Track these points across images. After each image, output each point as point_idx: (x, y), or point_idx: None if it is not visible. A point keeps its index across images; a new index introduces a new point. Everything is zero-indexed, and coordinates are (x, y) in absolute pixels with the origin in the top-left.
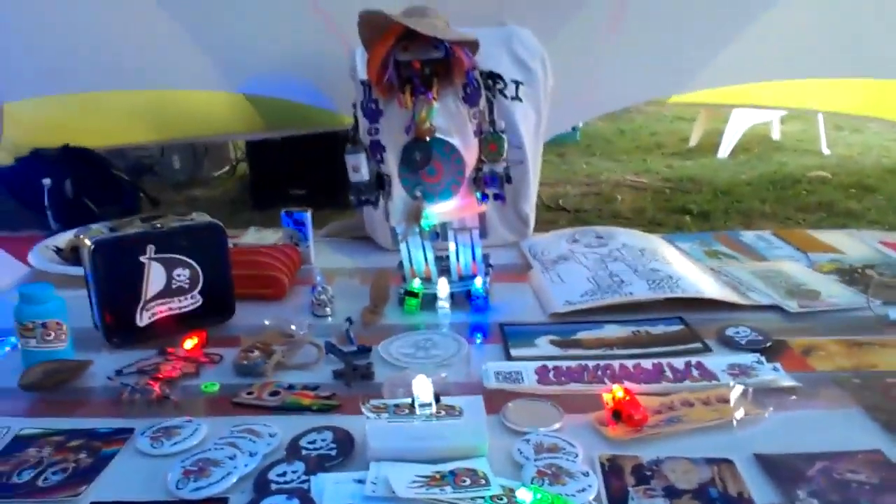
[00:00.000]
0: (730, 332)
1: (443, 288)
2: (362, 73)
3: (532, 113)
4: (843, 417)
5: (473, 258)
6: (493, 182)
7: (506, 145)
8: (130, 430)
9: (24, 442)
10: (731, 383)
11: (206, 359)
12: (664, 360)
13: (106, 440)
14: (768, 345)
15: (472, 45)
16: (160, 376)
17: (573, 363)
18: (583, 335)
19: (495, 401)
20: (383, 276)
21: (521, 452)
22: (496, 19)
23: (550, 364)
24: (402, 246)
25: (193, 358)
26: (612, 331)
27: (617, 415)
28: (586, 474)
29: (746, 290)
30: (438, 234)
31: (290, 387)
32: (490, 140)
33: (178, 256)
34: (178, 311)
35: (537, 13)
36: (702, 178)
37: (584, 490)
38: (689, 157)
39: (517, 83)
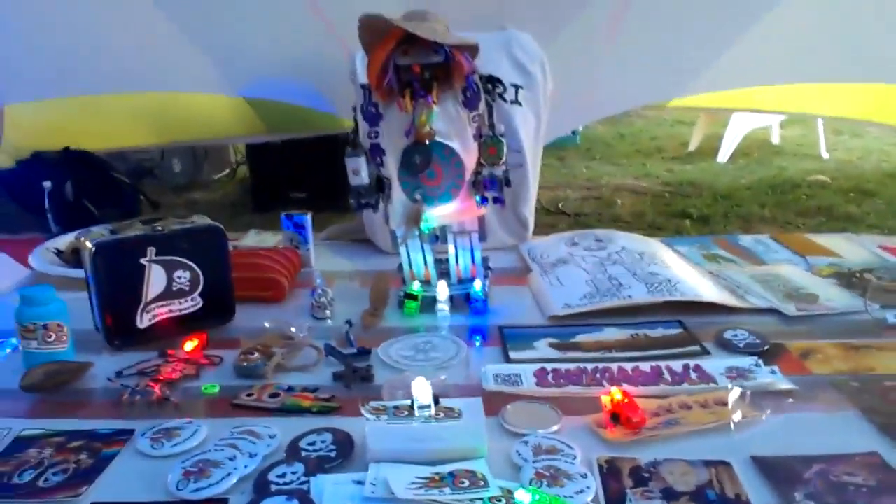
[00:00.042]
0: (728, 335)
1: (442, 291)
2: (362, 77)
3: (531, 117)
4: (841, 420)
5: (473, 261)
6: (492, 185)
7: (505, 149)
8: (131, 432)
9: (25, 443)
10: (729, 386)
11: (207, 361)
12: (662, 363)
13: (106, 441)
14: (766, 348)
15: (472, 50)
16: (160, 378)
17: (572, 366)
18: (581, 338)
19: (494, 403)
20: (383, 278)
21: (519, 454)
22: (496, 23)
23: (549, 367)
24: (402, 249)
25: (194, 360)
26: (611, 334)
27: (615, 417)
28: (584, 476)
29: (745, 294)
30: (438, 237)
31: (290, 389)
32: (489, 144)
33: (178, 259)
34: (178, 314)
35: (537, 17)
36: (702, 182)
37: (582, 492)
38: (688, 162)
39: (517, 87)
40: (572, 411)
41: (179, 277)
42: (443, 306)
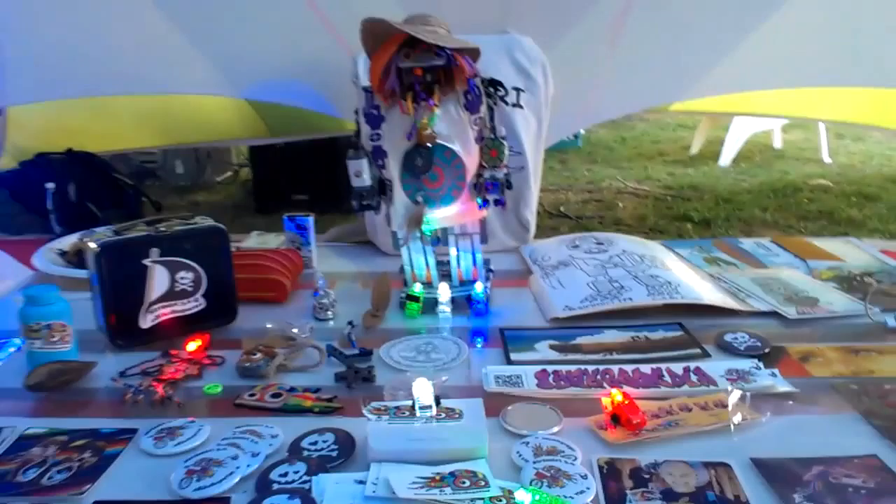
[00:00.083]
0: (728, 337)
1: (444, 292)
2: (364, 80)
3: (533, 120)
4: (840, 423)
5: (474, 263)
6: (493, 188)
7: (506, 151)
8: (134, 431)
9: (29, 441)
10: (729, 388)
11: (209, 361)
12: (663, 366)
13: (109, 440)
14: (766, 351)
15: (474, 53)
16: (163, 378)
17: (573, 367)
18: (582, 340)
19: (495, 404)
20: (384, 280)
21: (520, 455)
22: (498, 27)
23: (550, 368)
24: (404, 250)
25: (196, 360)
26: (612, 336)
27: (616, 419)
28: (584, 477)
29: (745, 297)
30: (439, 239)
31: (292, 389)
32: (491, 146)
33: (181, 260)
34: (181, 314)
35: (539, 21)
36: (703, 185)
37: (582, 492)
38: (690, 165)
39: (518, 90)
40: (573, 412)
41: (182, 278)
42: (444, 308)
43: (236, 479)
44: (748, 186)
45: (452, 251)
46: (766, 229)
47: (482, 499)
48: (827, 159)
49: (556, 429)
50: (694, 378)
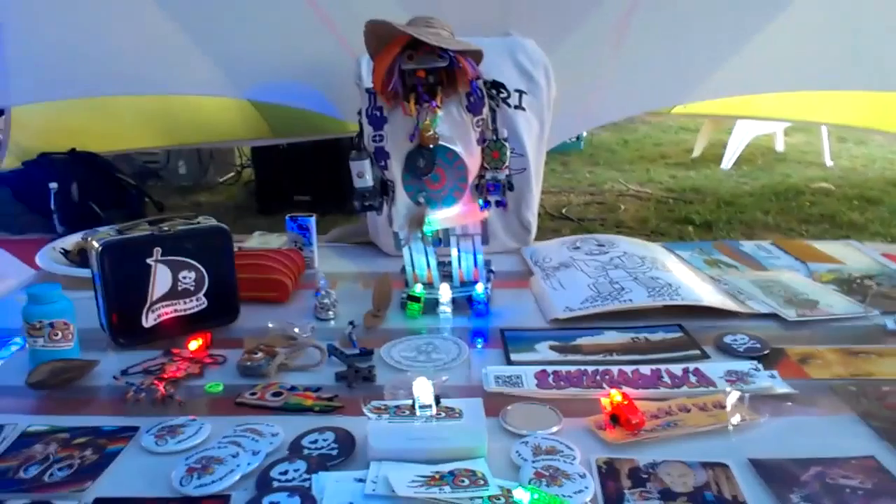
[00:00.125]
0: (728, 339)
1: (445, 293)
2: (367, 81)
3: (535, 122)
4: (838, 424)
5: (475, 264)
6: (495, 189)
7: (508, 153)
8: (135, 429)
9: (31, 439)
10: (728, 389)
11: (211, 360)
12: (662, 367)
13: (111, 438)
14: (766, 352)
15: (476, 55)
16: (165, 376)
17: (572, 368)
18: (582, 341)
19: (495, 404)
20: (386, 280)
21: (519, 454)
22: (500, 29)
23: (550, 369)
24: (405, 251)
25: (198, 359)
26: (612, 337)
27: (615, 419)
28: (583, 476)
29: (745, 299)
30: (441, 239)
31: (293, 388)
32: (493, 148)
33: (184, 259)
34: (183, 313)
35: (541, 24)
36: (705, 188)
37: (580, 491)
38: (692, 168)
39: (520, 92)
40: (572, 413)
41: (185, 277)
42: (445, 308)
43: (237, 477)
44: (750, 189)
45: (454, 252)
46: (768, 232)
47: (481, 497)
48: (829, 163)
49: (555, 429)
50: (693, 379)
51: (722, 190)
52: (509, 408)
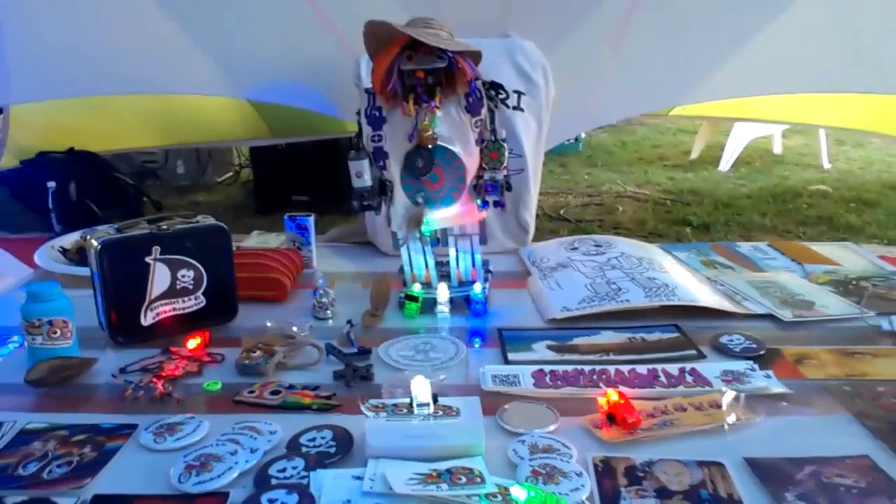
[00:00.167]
0: (724, 339)
1: (442, 293)
2: (367, 82)
3: (533, 122)
4: (833, 423)
5: (473, 264)
6: (493, 189)
7: (506, 154)
8: (134, 426)
9: (30, 436)
10: (724, 389)
11: (209, 358)
12: (659, 366)
13: (109, 435)
14: (762, 353)
15: (475, 56)
16: (163, 374)
17: (569, 368)
18: (579, 341)
19: (492, 403)
20: (384, 280)
21: (516, 452)
22: (499, 31)
23: (547, 368)
24: (403, 251)
25: (196, 357)
26: (609, 337)
27: (611, 418)
28: (580, 474)
29: (742, 300)
30: (439, 239)
31: (291, 386)
32: (491, 148)
33: (182, 258)
34: (181, 312)
35: (540, 25)
36: (703, 190)
37: (577, 489)
38: (690, 170)
39: (519, 93)
40: (569, 412)
41: (183, 276)
42: (443, 308)
43: (235, 475)
44: (748, 191)
45: (452, 252)
46: (765, 234)
47: (478, 495)
48: (827, 165)
49: (552, 427)
50: (689, 379)
51: (720, 192)
52: (506, 406)
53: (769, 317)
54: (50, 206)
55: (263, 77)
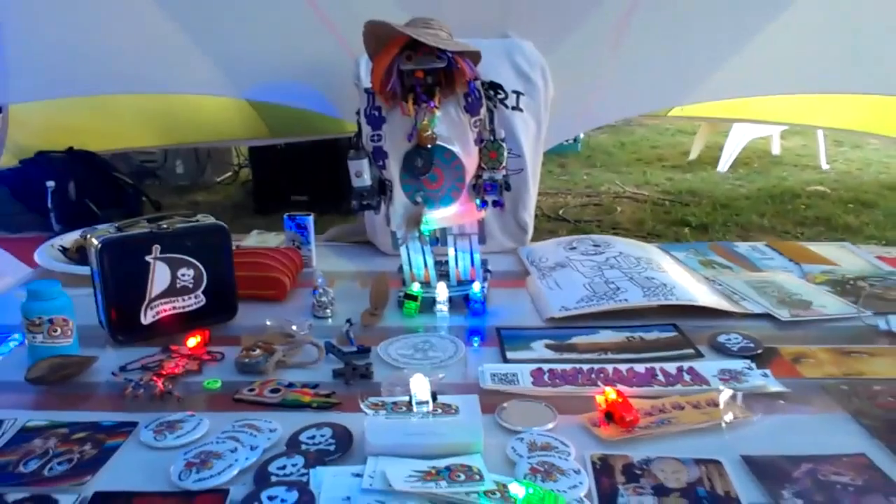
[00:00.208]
0: (722, 338)
1: (441, 292)
2: (366, 81)
3: (532, 123)
4: (830, 422)
5: (472, 263)
6: (492, 189)
7: (505, 153)
8: (134, 424)
9: (30, 433)
10: (722, 388)
11: (209, 357)
12: (657, 365)
13: (110, 433)
14: (759, 352)
15: (475, 56)
16: (163, 373)
17: (568, 366)
18: (578, 340)
19: (491, 401)
20: (383, 279)
21: (514, 450)
22: (499, 31)
23: (545, 367)
24: (403, 250)
25: (196, 355)
26: (607, 336)
27: (609, 416)
28: (578, 472)
29: (739, 299)
30: (438, 239)
31: (291, 385)
32: (490, 148)
33: (182, 257)
34: (181, 310)
35: (540, 25)
36: (701, 191)
37: (575, 487)
38: (689, 171)
39: (518, 93)
40: (567, 410)
41: (183, 275)
42: (442, 307)
43: (235, 472)
44: (746, 192)
45: (451, 251)
46: (763, 235)
47: (476, 492)
48: (825, 166)
49: (550, 425)
50: (687, 378)
51: (718, 192)
52: (505, 405)
53: (767, 316)
54: (49, 205)
55: (263, 77)
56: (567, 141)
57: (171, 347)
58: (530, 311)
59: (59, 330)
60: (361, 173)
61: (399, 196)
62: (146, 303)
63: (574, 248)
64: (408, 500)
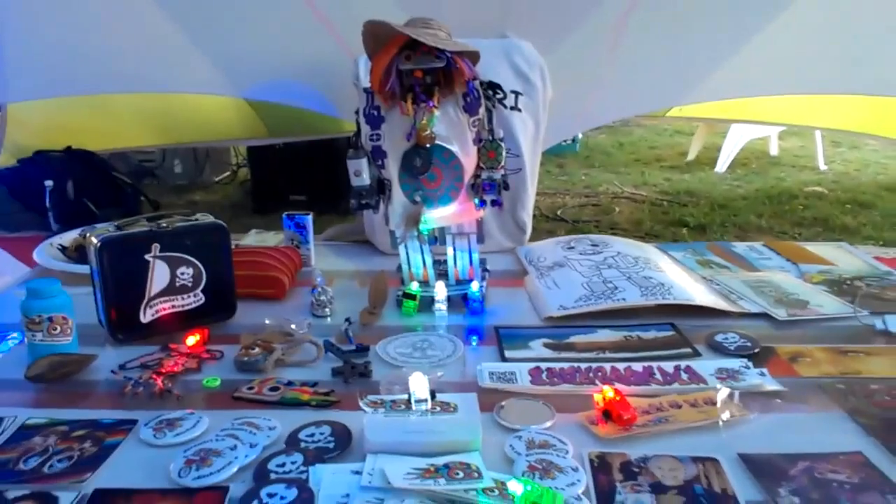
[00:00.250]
0: (719, 338)
1: (440, 291)
2: (365, 81)
3: (531, 122)
4: (827, 421)
5: (471, 263)
6: (490, 189)
7: (504, 153)
8: (133, 422)
9: (30, 431)
10: (719, 386)
11: (208, 355)
12: (654, 364)
13: (109, 430)
14: (756, 351)
15: (473, 56)
16: (163, 371)
17: (566, 365)
18: (576, 339)
19: (489, 399)
20: (382, 278)
21: (513, 448)
22: (497, 31)
23: (544, 366)
24: (401, 249)
25: (195, 354)
26: (605, 335)
27: (607, 414)
28: (575, 469)
29: (737, 299)
30: (437, 238)
31: (290, 383)
32: (489, 148)
33: (182, 255)
34: (181, 309)
35: (539, 26)
36: (699, 191)
37: (573, 484)
38: (687, 171)
39: (516, 93)
40: (565, 408)
41: (183, 274)
42: (440, 306)
43: (234, 469)
44: (744, 193)
45: (449, 250)
46: (761, 235)
47: (475, 489)
48: (823, 167)
49: (548, 424)
50: (684, 376)
51: (716, 193)
52: (503, 403)
53: (764, 316)
54: (47, 204)
55: (262, 76)
56: (565, 141)
57: (170, 346)
58: (528, 311)
59: (58, 328)
60: (360, 172)
61: (398, 195)
62: (145, 301)
63: (572, 247)
64: (407, 498)
